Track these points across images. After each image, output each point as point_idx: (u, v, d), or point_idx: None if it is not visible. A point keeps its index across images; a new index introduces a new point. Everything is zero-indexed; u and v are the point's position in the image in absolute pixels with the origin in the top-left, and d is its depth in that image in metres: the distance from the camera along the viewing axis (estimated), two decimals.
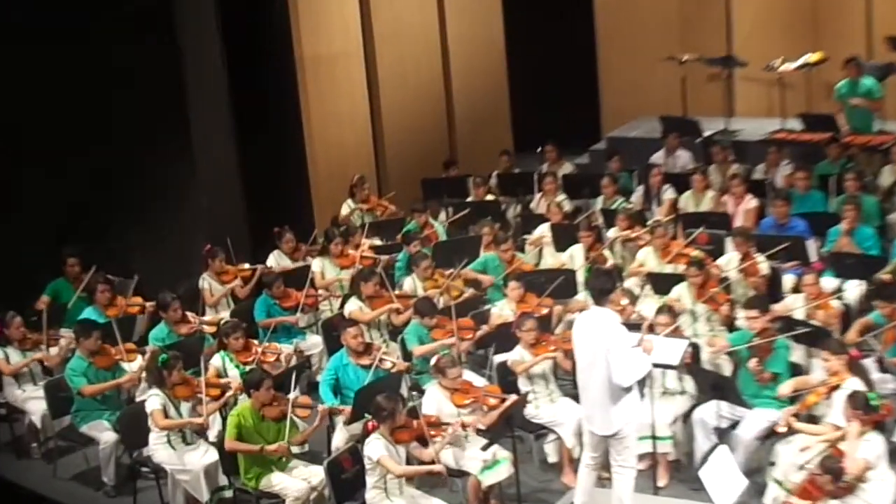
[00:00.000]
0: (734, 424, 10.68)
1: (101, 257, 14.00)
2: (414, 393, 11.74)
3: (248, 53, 15.91)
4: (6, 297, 12.93)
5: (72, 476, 11.91)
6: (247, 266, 14.16)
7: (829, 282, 12.56)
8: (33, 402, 12.13)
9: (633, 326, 10.48)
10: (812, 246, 13.20)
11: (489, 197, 16.58)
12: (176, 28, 15.20)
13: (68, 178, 14.37)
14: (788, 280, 12.95)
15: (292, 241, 14.59)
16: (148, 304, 13.28)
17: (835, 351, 10.23)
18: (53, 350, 12.50)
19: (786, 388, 10.44)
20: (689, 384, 11.12)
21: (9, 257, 13.70)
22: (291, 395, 10.53)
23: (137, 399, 11.66)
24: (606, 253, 13.83)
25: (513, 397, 10.58)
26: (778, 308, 11.76)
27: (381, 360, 11.35)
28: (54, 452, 12.04)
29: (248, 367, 11.54)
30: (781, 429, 10.08)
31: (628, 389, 9.49)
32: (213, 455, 10.71)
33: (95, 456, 11.54)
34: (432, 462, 9.83)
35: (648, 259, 13.44)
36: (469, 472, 10.32)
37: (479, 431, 10.45)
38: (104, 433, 11.42)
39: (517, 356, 11.27)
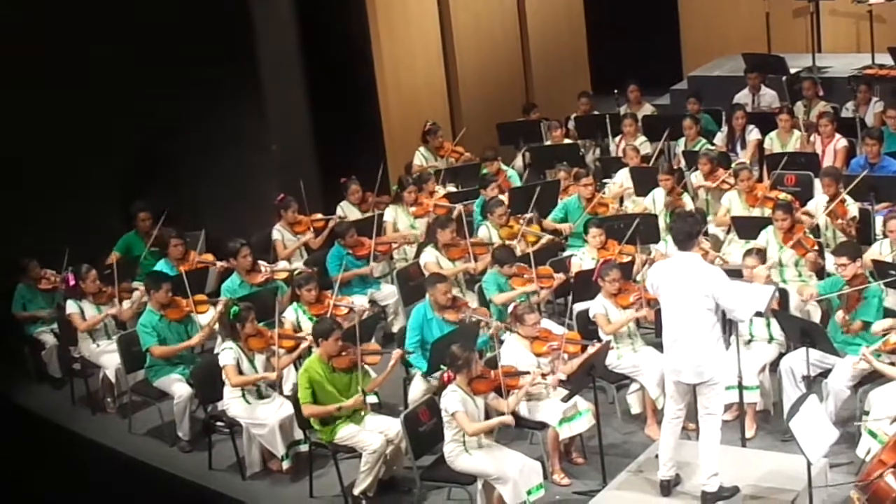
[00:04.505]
0: (824, 373, 10.35)
1: (173, 209, 13.85)
2: (493, 343, 11.47)
3: None
4: (80, 250, 12.84)
5: (146, 431, 11.84)
6: (320, 216, 13.97)
7: None
8: (107, 356, 12.08)
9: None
10: None
11: (567, 141, 16.21)
12: None
13: (137, 128, 14.18)
14: (880, 222, 12.50)
15: (359, 191, 14.39)
16: (219, 263, 13.13)
17: None
18: (126, 304, 12.41)
19: (878, 326, 10.19)
20: (777, 331, 10.82)
21: (81, 211, 13.55)
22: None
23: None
24: (686, 198, 13.48)
25: (594, 344, 10.35)
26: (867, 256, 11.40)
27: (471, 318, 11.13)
28: (129, 407, 11.97)
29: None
30: (860, 365, 9.83)
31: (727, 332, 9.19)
32: (287, 409, 10.58)
33: (170, 410, 11.47)
34: (511, 413, 9.66)
35: (733, 203, 13.19)
36: (548, 423, 10.09)
37: (560, 382, 10.21)
38: (178, 387, 11.32)
39: (600, 307, 11.02)
